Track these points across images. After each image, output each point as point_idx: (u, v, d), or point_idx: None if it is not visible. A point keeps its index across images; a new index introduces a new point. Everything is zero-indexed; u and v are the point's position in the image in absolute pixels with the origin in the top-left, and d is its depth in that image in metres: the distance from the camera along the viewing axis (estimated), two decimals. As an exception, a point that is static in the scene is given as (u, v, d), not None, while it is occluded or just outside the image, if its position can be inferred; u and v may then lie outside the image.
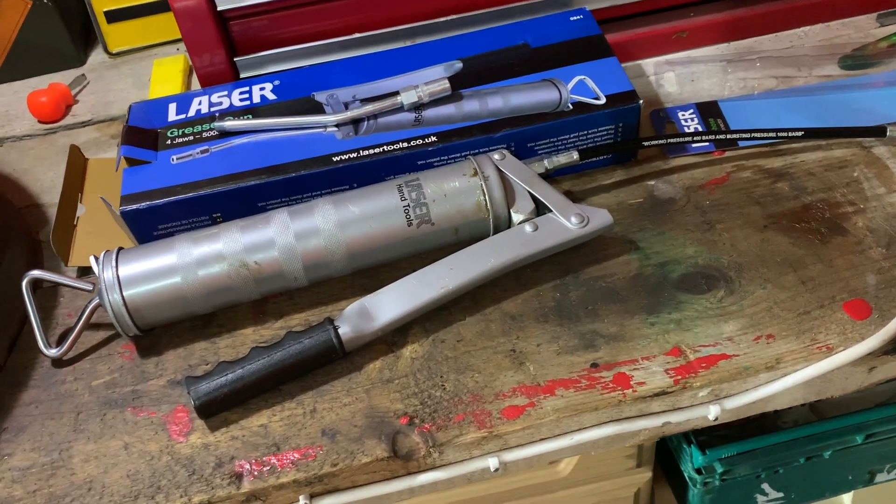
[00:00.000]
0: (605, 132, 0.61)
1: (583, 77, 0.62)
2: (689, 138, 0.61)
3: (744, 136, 0.61)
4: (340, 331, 0.51)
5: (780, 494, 0.79)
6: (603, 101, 0.60)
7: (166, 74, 0.78)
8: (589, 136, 0.61)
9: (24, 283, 0.55)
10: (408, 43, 0.70)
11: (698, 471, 0.75)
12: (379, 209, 0.55)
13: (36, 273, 0.55)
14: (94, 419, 0.51)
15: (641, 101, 0.60)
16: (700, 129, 0.65)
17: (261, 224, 0.54)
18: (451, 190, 0.55)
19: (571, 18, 0.67)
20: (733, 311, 0.52)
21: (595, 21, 0.66)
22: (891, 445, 0.74)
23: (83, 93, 0.81)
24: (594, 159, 0.61)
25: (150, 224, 0.58)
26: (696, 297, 0.53)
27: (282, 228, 0.54)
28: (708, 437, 0.72)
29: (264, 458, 0.48)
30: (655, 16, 0.73)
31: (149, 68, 0.81)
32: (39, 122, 0.78)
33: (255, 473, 0.48)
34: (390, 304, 0.52)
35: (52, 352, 0.54)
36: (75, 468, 0.49)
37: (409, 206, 0.54)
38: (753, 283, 0.53)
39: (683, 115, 0.67)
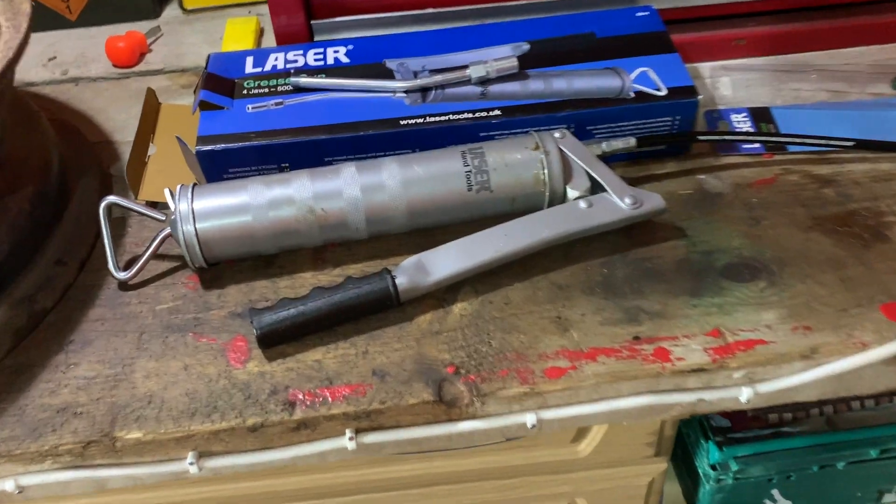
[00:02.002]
0: (662, 123, 0.63)
1: (645, 69, 0.64)
2: (742, 137, 0.63)
3: (794, 140, 0.63)
4: (398, 280, 0.54)
5: (788, 503, 0.81)
6: (664, 92, 0.62)
7: (239, 34, 0.82)
8: (646, 126, 0.63)
9: (101, 207, 0.58)
10: (477, 22, 0.73)
11: (713, 467, 0.77)
12: (442, 172, 0.57)
13: (113, 198, 0.58)
14: (157, 340, 0.54)
15: (701, 97, 0.62)
16: (752, 130, 0.67)
17: (330, 174, 0.57)
18: (513, 161, 0.58)
19: (637, 14, 0.70)
20: (773, 302, 0.54)
21: (660, 18, 0.69)
22: (903, 465, 0.75)
23: (156, 44, 0.84)
24: (649, 149, 0.63)
25: (221, 166, 0.61)
26: (739, 286, 0.55)
27: (349, 181, 0.57)
28: (723, 438, 0.74)
29: (317, 390, 0.51)
30: (716, 21, 0.75)
31: (220, 27, 0.84)
32: (114, 66, 0.81)
33: (308, 403, 0.50)
34: (445, 261, 0.55)
35: (121, 274, 0.57)
36: (137, 383, 0.52)
37: (470, 171, 0.57)
38: (794, 278, 0.56)
39: (736, 117, 0.69)
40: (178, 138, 0.63)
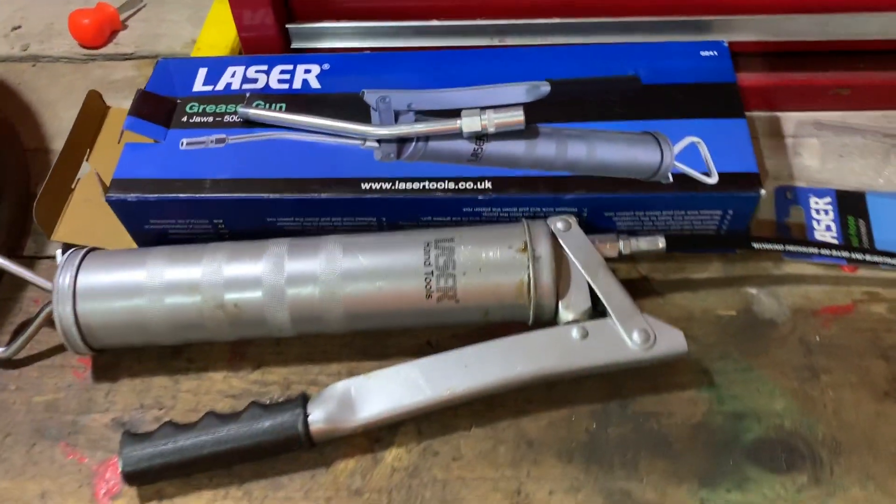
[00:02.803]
0: (707, 217, 0.48)
1: (696, 140, 0.48)
2: (815, 249, 0.47)
3: (890, 261, 0.46)
4: (311, 418, 0.41)
5: None
6: (714, 180, 0.46)
7: (224, 19, 0.68)
8: (686, 218, 0.48)
9: (-24, 267, 0.47)
10: (494, 42, 0.57)
11: None
12: (394, 269, 0.44)
13: (-8, 259, 0.47)
14: (21, 447, 0.44)
15: (763, 191, 0.46)
16: (834, 226, 0.51)
17: (252, 255, 0.45)
18: (489, 263, 0.44)
19: (702, 53, 0.53)
20: (814, 511, 0.39)
21: (731, 62, 0.52)
22: None
23: (134, 18, 0.72)
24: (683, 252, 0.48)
25: (140, 217, 0.49)
26: (769, 476, 0.41)
27: (274, 266, 0.44)
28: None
29: (188, 557, 0.40)
30: (814, 59, 0.57)
31: (210, 5, 0.71)
32: (80, 45, 0.69)
33: (172, 575, 0.39)
34: (380, 395, 0.42)
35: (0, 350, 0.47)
36: (-18, 507, 0.42)
37: (431, 273, 0.43)
38: (850, 476, 0.40)
39: (816, 202, 0.52)
40: (96, 174, 0.51)
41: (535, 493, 0.41)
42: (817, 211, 0.52)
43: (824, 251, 0.47)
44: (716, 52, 0.52)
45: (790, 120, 0.57)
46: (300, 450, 0.42)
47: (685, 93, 0.50)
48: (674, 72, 0.51)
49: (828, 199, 0.52)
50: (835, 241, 0.49)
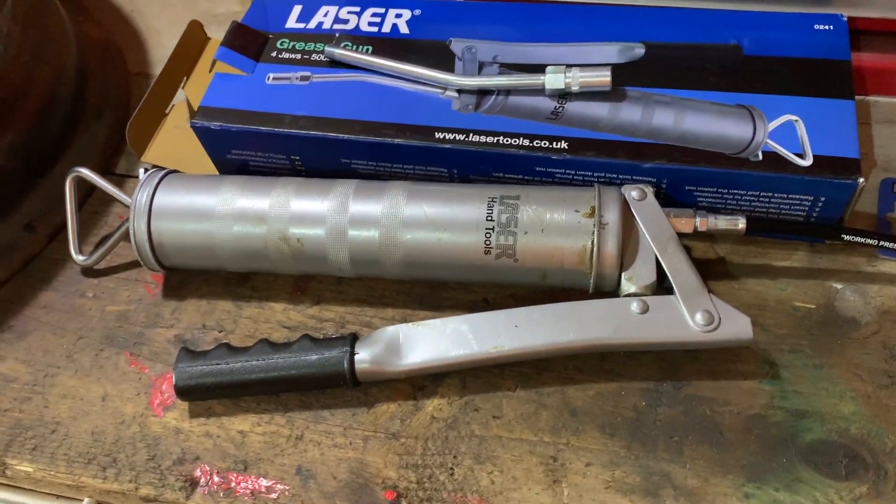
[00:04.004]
0: (796, 202, 0.44)
1: (794, 118, 0.44)
2: (913, 248, 0.43)
3: None
4: (357, 357, 0.42)
5: None
6: (808, 161, 0.43)
7: (329, -42, 0.68)
8: (774, 201, 0.45)
9: (67, 179, 0.49)
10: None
11: None
12: (456, 221, 0.43)
13: (81, 171, 0.49)
14: (90, 351, 0.47)
15: (862, 180, 0.42)
16: (943, 227, 0.46)
17: (320, 191, 0.45)
18: (553, 224, 0.42)
19: (816, 26, 0.49)
20: (869, 524, 0.37)
21: (847, 38, 0.48)
22: None
23: (246, -46, 0.73)
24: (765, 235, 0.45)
25: (221, 146, 0.51)
26: (825, 482, 0.38)
27: (339, 206, 0.44)
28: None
29: (226, 474, 0.41)
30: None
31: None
32: (193, -25, 0.71)
33: (210, 488, 0.41)
34: (427, 344, 0.42)
35: (81, 259, 0.49)
36: (50, 401, 0.45)
37: (492, 229, 0.42)
38: (917, 494, 0.37)
39: (927, 199, 0.48)
40: (186, 99, 0.53)
41: (572, 462, 0.40)
42: (926, 208, 0.47)
43: (923, 250, 0.43)
44: (831, 26, 0.48)
45: (908, 108, 0.52)
46: (344, 387, 0.42)
47: (790, 67, 0.47)
48: (781, 44, 0.48)
49: (939, 197, 0.48)
50: (940, 241, 0.45)
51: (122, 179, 0.55)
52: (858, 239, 0.43)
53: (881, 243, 0.43)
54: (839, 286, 0.45)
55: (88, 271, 0.50)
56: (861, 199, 0.47)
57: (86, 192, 0.54)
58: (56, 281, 0.50)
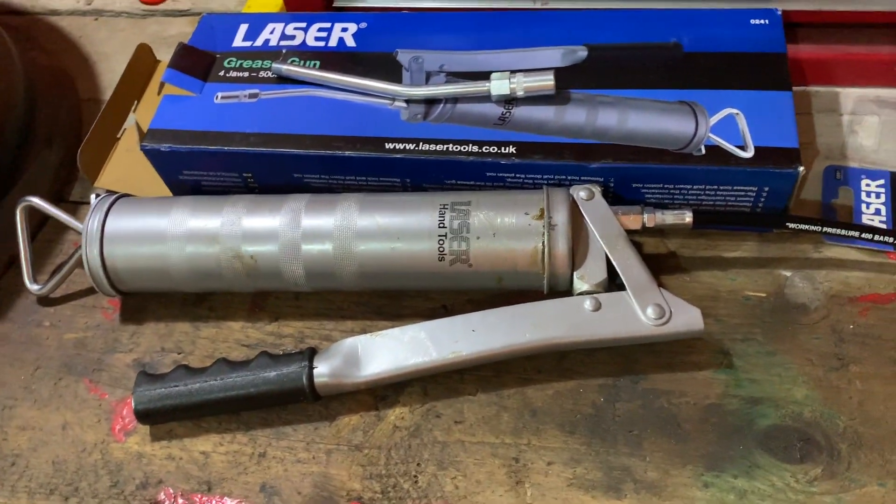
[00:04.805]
0: (741, 193, 0.45)
1: (734, 112, 0.45)
2: (856, 233, 0.44)
3: (939, 248, 0.43)
4: (316, 372, 0.42)
5: None
6: (750, 153, 0.44)
7: (276, -25, 0.68)
8: (720, 194, 0.46)
9: (17, 209, 0.49)
10: (536, 5, 0.55)
11: None
12: (408, 229, 0.43)
13: (31, 200, 0.49)
14: (49, 381, 0.46)
15: (802, 169, 0.43)
16: (885, 209, 0.47)
17: (271, 207, 0.45)
18: (504, 228, 0.43)
19: (752, 21, 0.50)
20: (825, 505, 0.38)
21: (783, 32, 0.49)
22: None
23: (193, -24, 0.73)
24: (713, 228, 0.46)
25: (173, 167, 0.51)
26: (781, 466, 0.39)
27: (291, 221, 0.44)
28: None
29: (190, 496, 0.41)
30: (877, 32, 0.53)
31: (266, -38, 0.71)
32: (140, 0, 0.71)
33: (174, 511, 0.41)
34: (386, 354, 0.42)
35: (35, 288, 0.49)
36: (9, 434, 0.45)
37: (445, 236, 0.43)
38: (869, 472, 0.38)
39: (868, 184, 0.49)
40: (136, 122, 0.53)
41: (534, 462, 0.40)
42: (868, 194, 0.49)
43: (866, 235, 0.44)
44: (767, 21, 0.50)
45: (849, 96, 0.54)
46: (305, 402, 0.42)
47: (729, 62, 0.48)
48: (719, 40, 0.49)
49: (881, 182, 0.49)
50: (882, 226, 0.46)
51: (77, 206, 0.55)
52: (803, 226, 0.44)
53: (824, 229, 0.44)
54: (788, 273, 0.46)
55: (44, 300, 0.50)
56: (806, 187, 0.49)
57: (40, 220, 0.53)
58: (11, 312, 0.50)
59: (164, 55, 0.61)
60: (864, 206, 0.48)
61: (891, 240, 0.44)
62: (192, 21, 0.69)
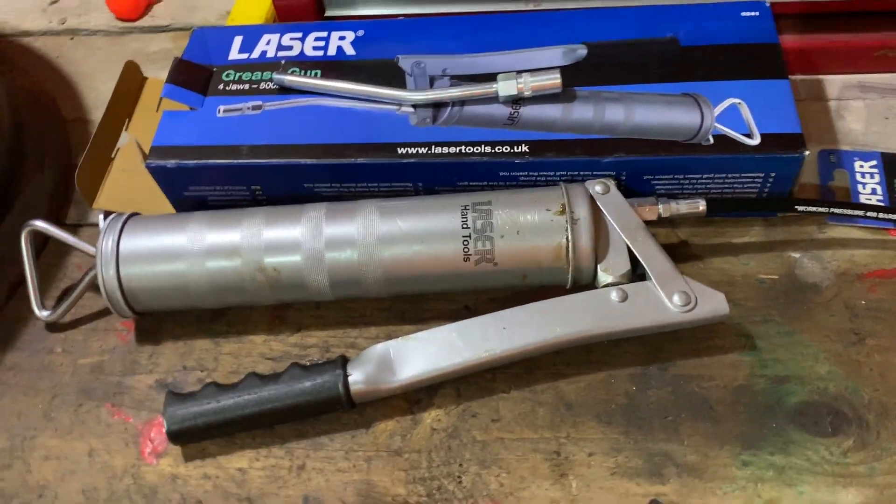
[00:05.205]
0: (748, 180, 0.47)
1: (737, 101, 0.47)
2: (861, 212, 0.46)
3: (939, 222, 0.45)
4: (351, 379, 0.42)
5: None
6: (756, 140, 0.45)
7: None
8: (727, 181, 0.47)
9: (22, 234, 0.48)
10: (529, 6, 0.56)
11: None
12: (432, 232, 0.44)
13: (36, 224, 0.48)
14: (68, 408, 0.45)
15: (808, 152, 0.45)
16: (880, 189, 0.49)
17: (290, 218, 0.45)
18: (527, 225, 0.43)
19: (743, 13, 0.51)
20: (859, 474, 0.39)
21: (773, 23, 0.51)
22: None
23: (170, -9, 0.72)
24: (724, 215, 0.47)
25: (179, 184, 0.50)
26: (814, 440, 0.40)
27: (312, 230, 0.44)
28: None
29: (231, 514, 0.40)
30: (859, 20, 0.55)
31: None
32: (116, 17, 0.70)
33: (217, 531, 0.40)
34: (419, 357, 0.42)
35: (45, 314, 0.48)
36: (32, 466, 0.43)
37: (469, 236, 0.43)
38: (898, 440, 0.40)
39: (861, 165, 0.51)
40: (136, 142, 0.52)
41: (575, 454, 0.41)
42: (862, 174, 0.51)
43: (870, 214, 0.46)
44: (757, 13, 0.51)
45: (834, 83, 0.56)
46: (340, 410, 0.42)
47: (725, 54, 0.49)
48: (714, 33, 0.50)
49: (873, 162, 0.51)
50: (881, 204, 0.48)
51: (76, 229, 0.54)
52: (811, 209, 0.45)
53: (832, 210, 0.46)
54: (797, 255, 0.47)
55: (54, 326, 0.49)
56: (802, 171, 0.50)
57: (39, 245, 0.52)
58: (20, 340, 0.48)
59: (149, 71, 0.60)
60: (860, 187, 0.50)
61: (892, 217, 0.46)
62: (174, 37, 0.68)
